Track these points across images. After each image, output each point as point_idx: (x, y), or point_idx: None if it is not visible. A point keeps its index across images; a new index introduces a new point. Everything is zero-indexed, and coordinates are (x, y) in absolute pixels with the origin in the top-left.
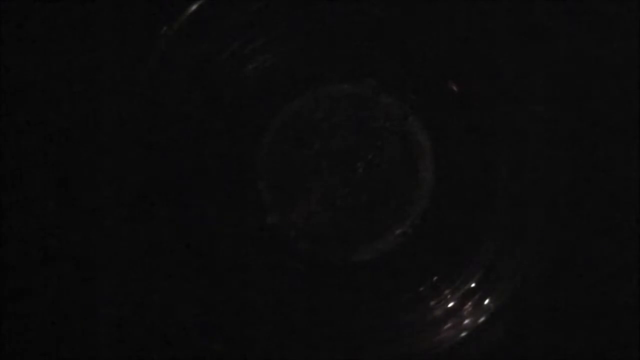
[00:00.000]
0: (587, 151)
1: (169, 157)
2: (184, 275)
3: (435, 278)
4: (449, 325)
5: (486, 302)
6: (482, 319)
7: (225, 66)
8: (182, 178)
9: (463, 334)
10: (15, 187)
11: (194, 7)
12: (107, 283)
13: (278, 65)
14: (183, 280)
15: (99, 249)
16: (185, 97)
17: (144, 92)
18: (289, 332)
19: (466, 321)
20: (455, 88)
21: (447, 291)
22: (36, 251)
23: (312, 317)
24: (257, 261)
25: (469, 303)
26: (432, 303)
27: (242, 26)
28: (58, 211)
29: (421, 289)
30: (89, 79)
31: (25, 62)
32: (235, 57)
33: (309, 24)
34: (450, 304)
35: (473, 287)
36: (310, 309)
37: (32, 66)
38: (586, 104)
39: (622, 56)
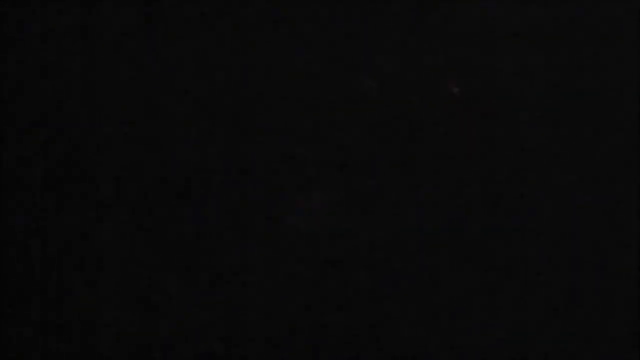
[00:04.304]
0: (587, 151)
1: (169, 157)
2: (184, 276)
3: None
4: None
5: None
6: None
7: (225, 66)
8: (182, 178)
9: None
10: (15, 187)
11: (193, 8)
12: (107, 283)
13: (278, 66)
14: (183, 281)
15: (99, 249)
16: (186, 97)
17: (144, 92)
18: (289, 332)
19: None
20: (455, 88)
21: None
22: (36, 251)
23: (312, 317)
24: (257, 261)
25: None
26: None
27: (242, 27)
28: (58, 211)
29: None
30: (89, 79)
31: (25, 62)
32: (236, 57)
33: (310, 24)
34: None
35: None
36: (311, 308)
37: (32, 66)
38: (586, 104)
39: (622, 56)
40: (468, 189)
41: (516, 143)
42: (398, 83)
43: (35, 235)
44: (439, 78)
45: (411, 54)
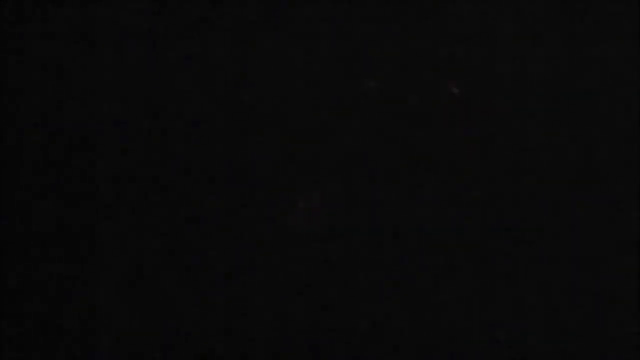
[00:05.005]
0: (587, 151)
1: (169, 157)
2: (184, 276)
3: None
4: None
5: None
6: None
7: (225, 66)
8: (182, 178)
9: None
10: (15, 187)
11: (193, 8)
12: (107, 283)
13: (278, 66)
14: (183, 281)
15: (99, 249)
16: (185, 97)
17: (144, 92)
18: (289, 332)
19: None
20: (455, 88)
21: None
22: (36, 251)
23: (312, 317)
24: (257, 261)
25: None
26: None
27: (242, 27)
28: (58, 211)
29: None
30: (89, 79)
31: (25, 62)
32: (236, 57)
33: (310, 24)
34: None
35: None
36: (311, 308)
37: (32, 66)
38: (586, 103)
39: (622, 56)
40: (468, 189)
41: (516, 143)
42: (398, 83)
43: (35, 235)
44: (439, 78)
45: (411, 54)
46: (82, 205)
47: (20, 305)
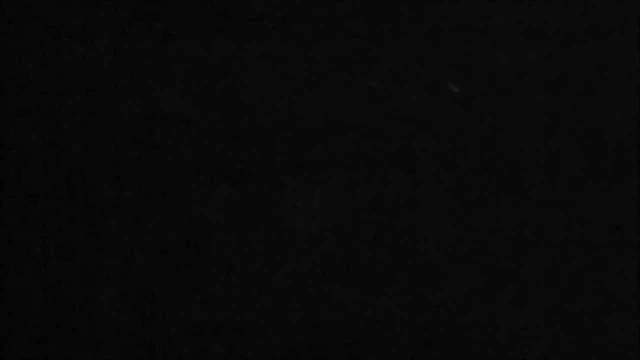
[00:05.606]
0: (587, 150)
1: (168, 157)
2: (184, 275)
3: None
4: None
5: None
6: None
7: (225, 66)
8: (182, 178)
9: None
10: (15, 187)
11: (192, 7)
12: (107, 283)
13: (278, 66)
14: (183, 280)
15: (99, 249)
16: (185, 97)
17: (144, 92)
18: (289, 332)
19: None
20: (455, 88)
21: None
22: (36, 251)
23: (312, 317)
24: (257, 261)
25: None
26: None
27: (242, 27)
28: (58, 211)
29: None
30: (89, 79)
31: (25, 62)
32: (236, 57)
33: (310, 24)
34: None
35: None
36: (311, 308)
37: (32, 66)
38: (586, 103)
39: (623, 55)
40: (468, 189)
41: (517, 143)
42: (398, 83)
43: (35, 236)
44: (439, 78)
45: (411, 54)
46: (82, 205)
47: (20, 305)
